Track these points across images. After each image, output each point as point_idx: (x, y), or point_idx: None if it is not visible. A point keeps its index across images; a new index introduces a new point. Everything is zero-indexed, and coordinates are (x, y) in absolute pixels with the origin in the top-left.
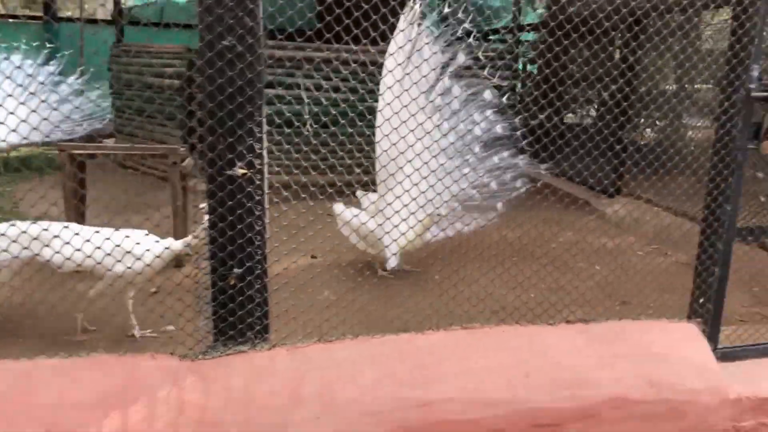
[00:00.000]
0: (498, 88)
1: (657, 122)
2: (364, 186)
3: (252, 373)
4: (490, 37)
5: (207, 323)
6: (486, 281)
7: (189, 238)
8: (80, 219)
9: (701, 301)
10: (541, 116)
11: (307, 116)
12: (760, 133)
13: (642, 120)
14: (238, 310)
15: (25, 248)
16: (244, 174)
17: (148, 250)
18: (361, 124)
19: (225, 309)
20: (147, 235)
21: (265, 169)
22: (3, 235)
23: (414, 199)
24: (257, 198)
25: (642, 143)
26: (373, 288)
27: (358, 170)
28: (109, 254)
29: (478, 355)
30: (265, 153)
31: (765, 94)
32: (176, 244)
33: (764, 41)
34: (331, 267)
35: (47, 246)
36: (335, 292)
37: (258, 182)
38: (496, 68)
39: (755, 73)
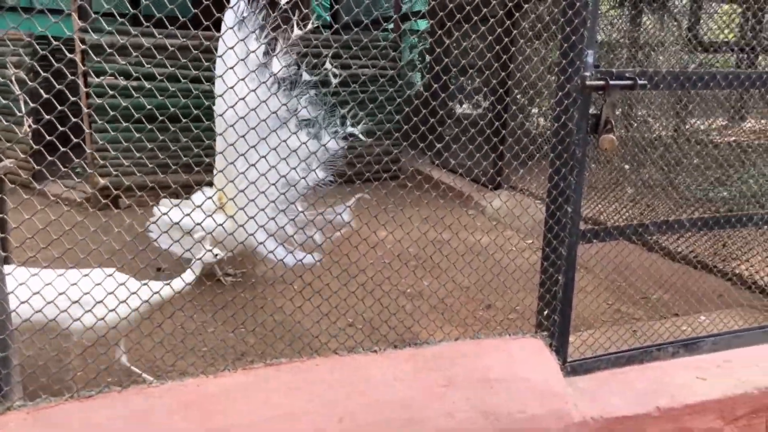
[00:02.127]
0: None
1: (535, 111)
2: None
3: None
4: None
5: None
6: (337, 291)
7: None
8: None
9: (546, 312)
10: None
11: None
12: (599, 126)
13: (521, 109)
14: None
15: None
16: None
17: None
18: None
19: None
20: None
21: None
22: None
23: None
24: None
25: (521, 133)
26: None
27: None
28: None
29: (283, 398)
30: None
31: (601, 83)
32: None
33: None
34: None
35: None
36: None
37: None
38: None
39: (590, 60)
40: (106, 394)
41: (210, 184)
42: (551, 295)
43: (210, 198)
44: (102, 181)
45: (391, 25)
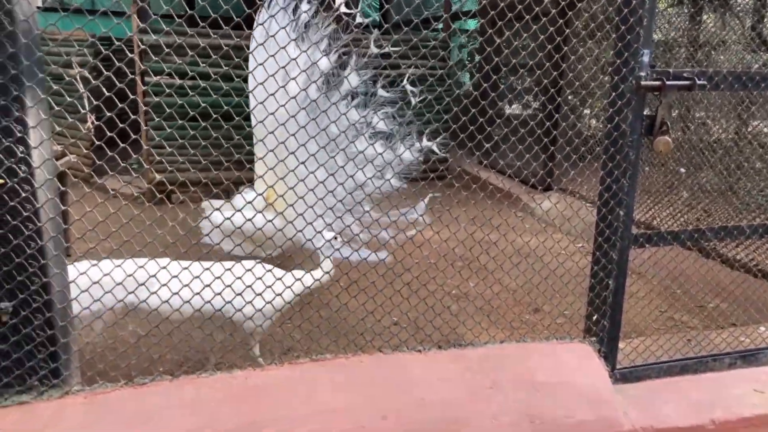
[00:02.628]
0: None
1: (587, 112)
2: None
3: (34, 429)
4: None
5: None
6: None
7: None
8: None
9: (595, 317)
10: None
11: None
12: (654, 128)
13: (572, 110)
14: (13, 352)
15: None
16: (2, 184)
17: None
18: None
19: None
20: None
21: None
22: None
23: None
24: (26, 213)
25: (575, 134)
26: None
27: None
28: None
29: (327, 394)
30: (39, 155)
31: (657, 83)
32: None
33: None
34: None
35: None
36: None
37: (25, 194)
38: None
39: (646, 59)
40: (159, 382)
41: (250, 182)
42: (601, 300)
43: (260, 194)
44: (157, 177)
45: (441, 25)
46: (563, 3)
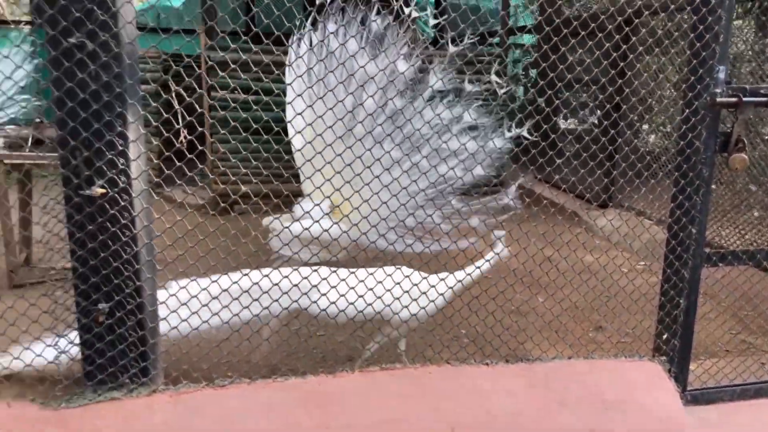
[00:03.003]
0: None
1: (645, 128)
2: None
3: (125, 424)
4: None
5: (73, 365)
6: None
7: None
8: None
9: (665, 336)
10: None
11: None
12: (729, 145)
13: (631, 125)
14: (108, 351)
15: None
16: (105, 193)
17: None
18: None
19: (93, 349)
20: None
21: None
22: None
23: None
24: (124, 221)
25: (632, 150)
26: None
27: None
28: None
29: (397, 403)
30: (137, 167)
31: (733, 99)
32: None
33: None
34: None
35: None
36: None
37: (124, 203)
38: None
39: (722, 75)
40: (238, 384)
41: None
42: (671, 319)
43: (328, 197)
44: (221, 187)
45: (497, 40)
46: (620, 19)
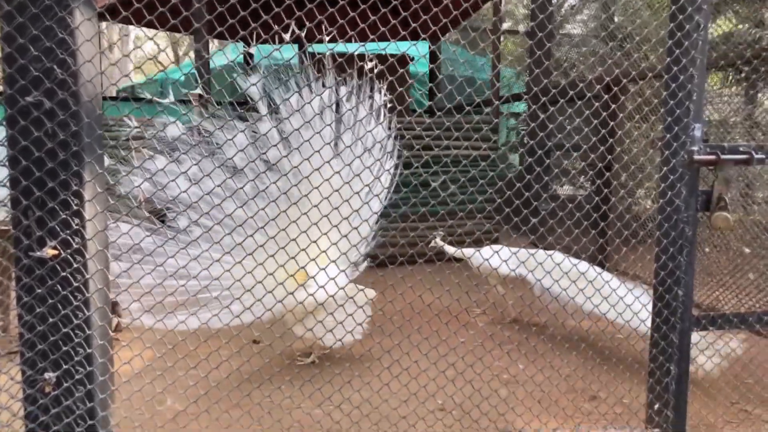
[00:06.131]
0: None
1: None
2: None
3: None
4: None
5: None
6: (426, 370)
7: None
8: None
9: (657, 406)
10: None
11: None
12: (710, 203)
13: (625, 187)
14: (53, 424)
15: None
16: (57, 255)
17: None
18: None
19: (37, 423)
20: None
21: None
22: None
23: None
24: (76, 284)
25: (624, 211)
26: (293, 376)
27: None
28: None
29: None
30: (92, 227)
31: (711, 157)
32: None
33: (705, 96)
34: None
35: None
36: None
37: (78, 264)
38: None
39: (698, 133)
40: None
41: None
42: (662, 387)
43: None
44: None
45: (489, 109)
46: (608, 79)
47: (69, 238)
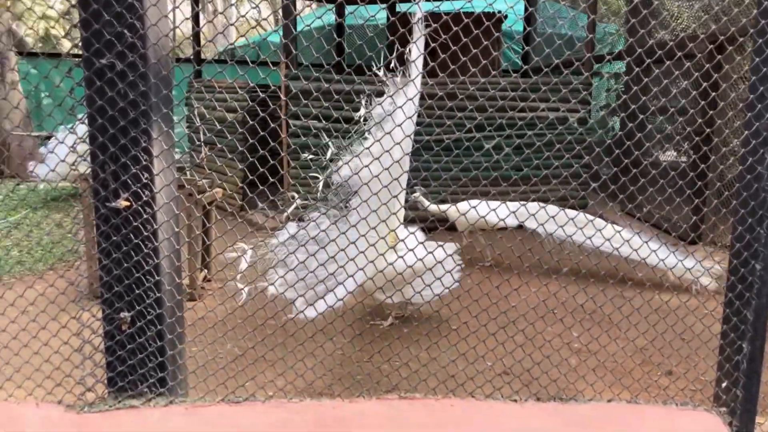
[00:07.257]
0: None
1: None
2: None
3: None
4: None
5: (97, 371)
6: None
7: None
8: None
9: (725, 385)
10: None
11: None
12: None
13: (724, 158)
14: (129, 359)
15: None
16: (129, 206)
17: None
18: None
19: (115, 356)
20: None
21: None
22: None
23: None
24: (146, 233)
25: (722, 184)
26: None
27: None
28: None
29: None
30: (160, 181)
31: None
32: None
33: None
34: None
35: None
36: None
37: (147, 215)
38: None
39: None
40: (252, 402)
41: None
42: (732, 365)
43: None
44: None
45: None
46: (711, 46)
47: (139, 191)
